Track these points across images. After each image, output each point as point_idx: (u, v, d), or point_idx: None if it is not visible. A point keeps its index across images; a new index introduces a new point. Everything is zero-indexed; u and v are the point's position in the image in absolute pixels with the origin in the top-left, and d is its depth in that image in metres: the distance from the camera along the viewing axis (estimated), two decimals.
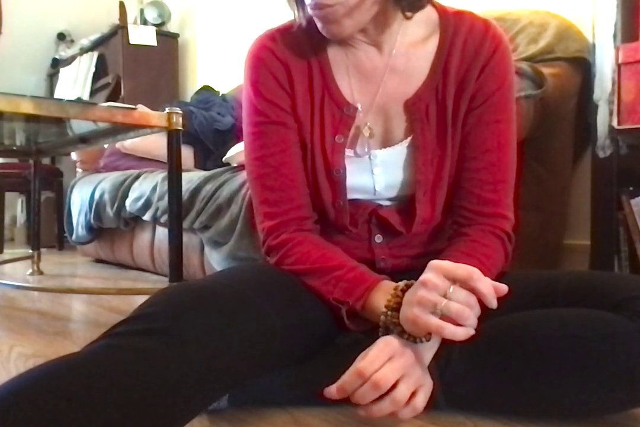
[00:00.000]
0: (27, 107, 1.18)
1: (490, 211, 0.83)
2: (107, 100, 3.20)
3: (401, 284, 0.71)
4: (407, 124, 0.84)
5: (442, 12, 0.84)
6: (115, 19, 3.56)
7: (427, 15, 0.83)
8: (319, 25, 0.77)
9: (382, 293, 0.72)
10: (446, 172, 0.83)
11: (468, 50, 0.81)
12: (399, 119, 0.84)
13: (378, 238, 0.87)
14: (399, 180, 0.85)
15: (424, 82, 0.83)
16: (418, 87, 0.83)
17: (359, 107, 0.84)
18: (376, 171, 0.85)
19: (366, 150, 0.84)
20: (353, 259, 0.81)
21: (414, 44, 0.83)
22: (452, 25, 0.82)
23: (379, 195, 0.86)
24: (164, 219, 1.95)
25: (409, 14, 0.77)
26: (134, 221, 2.25)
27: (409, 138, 0.84)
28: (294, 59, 0.83)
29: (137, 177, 2.23)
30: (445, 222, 0.90)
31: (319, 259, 0.79)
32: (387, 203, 0.88)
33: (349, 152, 0.84)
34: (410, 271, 0.88)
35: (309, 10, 0.76)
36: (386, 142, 0.85)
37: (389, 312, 0.68)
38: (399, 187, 0.86)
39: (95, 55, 3.61)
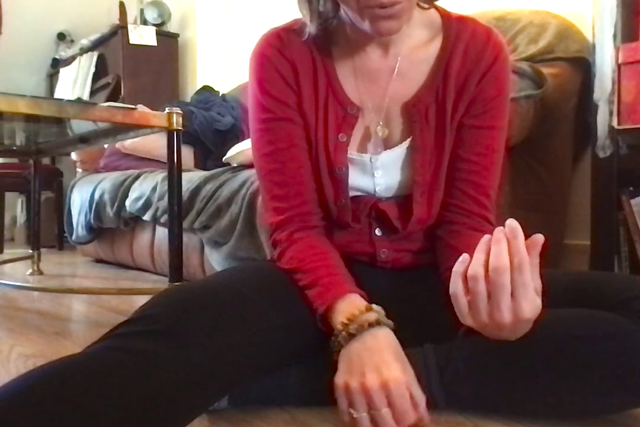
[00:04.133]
0: (27, 107, 1.18)
1: (482, 213, 0.84)
2: (107, 100, 3.20)
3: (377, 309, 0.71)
4: (406, 125, 0.84)
5: (445, 16, 0.84)
6: (115, 19, 3.56)
7: (430, 19, 0.84)
8: (374, 25, 0.72)
9: (347, 305, 0.71)
10: (443, 172, 0.84)
11: (469, 56, 0.82)
12: (398, 120, 0.85)
13: (378, 231, 0.87)
14: (397, 181, 0.86)
15: (424, 84, 0.83)
16: (418, 89, 0.83)
17: (370, 107, 0.84)
18: (377, 174, 0.85)
19: (379, 149, 0.84)
20: (341, 264, 0.80)
21: (416, 47, 0.84)
22: (455, 29, 0.83)
23: (378, 195, 0.87)
24: (164, 219, 1.95)
25: (425, 5, 0.80)
26: (134, 221, 2.25)
27: (408, 140, 0.84)
28: (300, 58, 0.83)
29: (137, 177, 2.23)
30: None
31: (306, 260, 0.79)
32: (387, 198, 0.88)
33: (350, 154, 0.84)
34: (412, 269, 0.89)
35: (368, 11, 0.70)
36: (386, 144, 0.85)
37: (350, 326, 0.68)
38: (397, 187, 0.86)
39: (95, 55, 3.61)
